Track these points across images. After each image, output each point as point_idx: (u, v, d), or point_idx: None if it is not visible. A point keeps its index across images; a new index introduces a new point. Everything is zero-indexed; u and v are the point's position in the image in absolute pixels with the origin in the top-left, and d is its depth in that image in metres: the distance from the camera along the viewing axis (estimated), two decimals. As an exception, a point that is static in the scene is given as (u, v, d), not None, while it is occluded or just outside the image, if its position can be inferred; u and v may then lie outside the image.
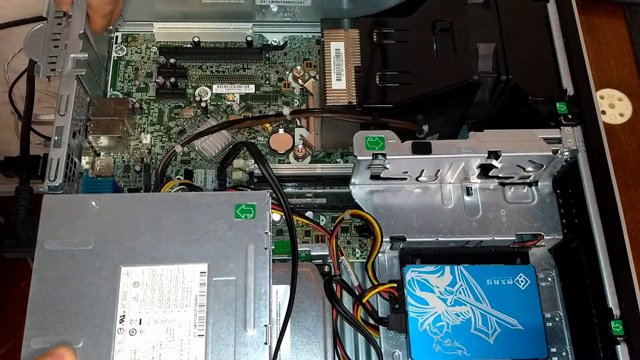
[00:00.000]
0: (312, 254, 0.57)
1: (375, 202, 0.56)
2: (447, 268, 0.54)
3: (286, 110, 0.61)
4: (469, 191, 0.57)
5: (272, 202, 0.52)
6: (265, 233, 0.49)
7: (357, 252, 0.62)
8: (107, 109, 0.62)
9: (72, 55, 0.57)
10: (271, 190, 0.53)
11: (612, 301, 0.49)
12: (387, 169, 0.53)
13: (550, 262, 0.59)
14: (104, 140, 0.63)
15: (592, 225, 0.52)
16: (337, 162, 0.65)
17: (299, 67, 0.69)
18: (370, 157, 0.51)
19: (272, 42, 0.71)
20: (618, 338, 0.48)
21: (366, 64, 0.58)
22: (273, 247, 0.51)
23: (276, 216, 0.57)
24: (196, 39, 0.69)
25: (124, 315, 0.46)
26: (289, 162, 0.65)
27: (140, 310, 0.46)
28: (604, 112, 0.77)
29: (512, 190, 0.57)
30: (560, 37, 0.59)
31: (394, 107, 0.56)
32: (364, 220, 0.56)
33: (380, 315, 0.55)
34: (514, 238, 0.56)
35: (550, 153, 0.53)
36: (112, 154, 0.65)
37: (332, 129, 0.62)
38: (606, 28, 0.82)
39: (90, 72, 0.59)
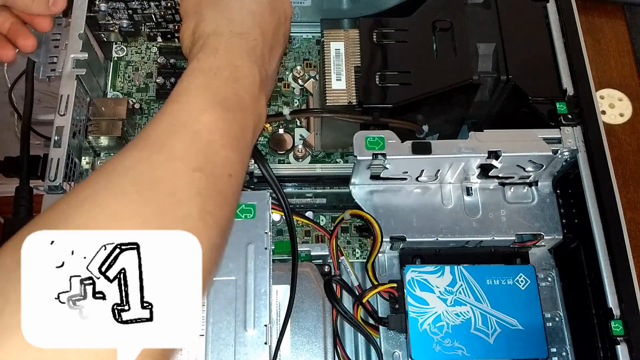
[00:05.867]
0: (312, 254, 0.57)
1: (375, 202, 0.56)
2: (447, 268, 0.54)
3: (286, 110, 0.61)
4: (469, 191, 0.57)
5: (272, 202, 0.52)
6: (265, 233, 0.49)
7: (357, 252, 0.62)
8: (107, 109, 0.62)
9: (72, 55, 0.57)
10: (271, 190, 0.53)
11: (612, 301, 0.49)
12: (387, 169, 0.53)
13: (550, 262, 0.59)
14: (104, 141, 0.63)
15: (592, 225, 0.52)
16: (337, 162, 0.65)
17: (299, 67, 0.69)
18: (370, 157, 0.51)
19: (272, 42, 0.71)
20: (618, 338, 0.48)
21: (366, 64, 0.58)
22: (273, 247, 0.51)
23: (276, 216, 0.57)
24: (196, 39, 0.69)
25: (124, 315, 0.46)
26: (289, 162, 0.65)
27: (140, 310, 0.46)
28: (604, 112, 0.77)
29: (512, 190, 0.57)
30: (560, 37, 0.59)
31: (394, 107, 0.56)
32: (364, 220, 0.56)
33: (380, 315, 0.55)
34: (514, 238, 0.56)
35: (550, 153, 0.53)
36: (112, 154, 0.65)
37: (332, 129, 0.62)
38: (606, 28, 0.82)
39: (90, 72, 0.59)
